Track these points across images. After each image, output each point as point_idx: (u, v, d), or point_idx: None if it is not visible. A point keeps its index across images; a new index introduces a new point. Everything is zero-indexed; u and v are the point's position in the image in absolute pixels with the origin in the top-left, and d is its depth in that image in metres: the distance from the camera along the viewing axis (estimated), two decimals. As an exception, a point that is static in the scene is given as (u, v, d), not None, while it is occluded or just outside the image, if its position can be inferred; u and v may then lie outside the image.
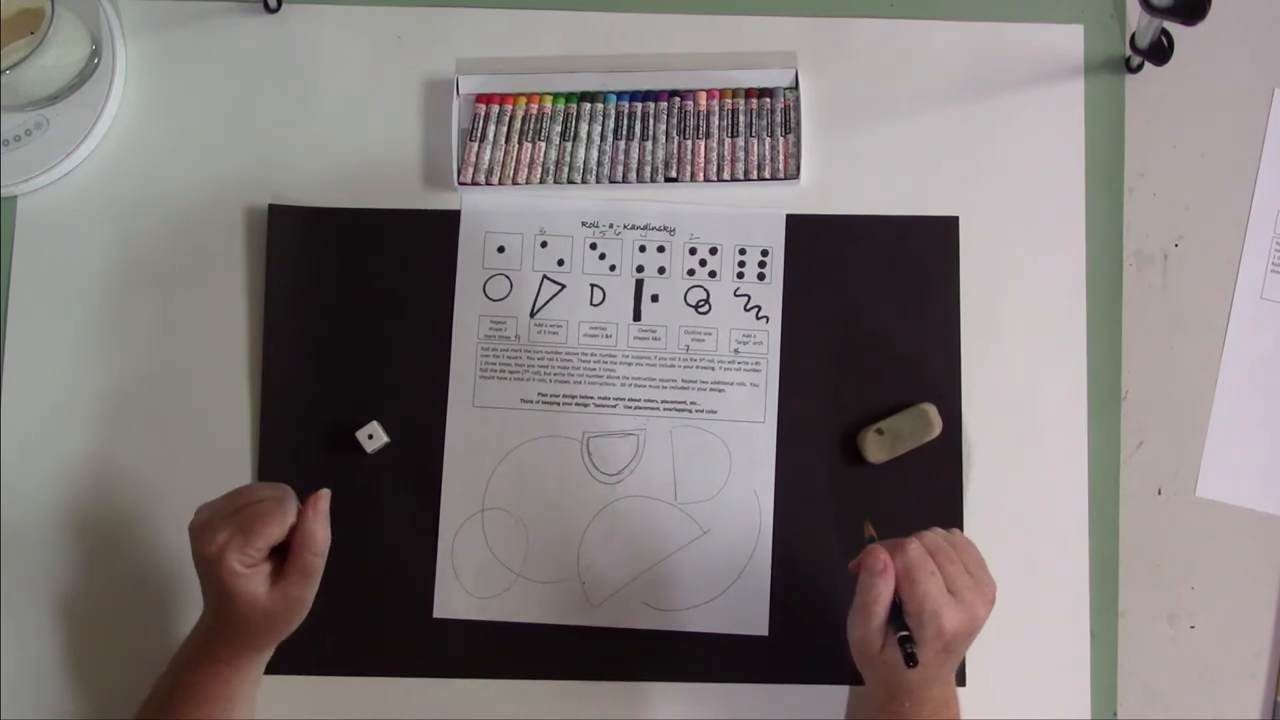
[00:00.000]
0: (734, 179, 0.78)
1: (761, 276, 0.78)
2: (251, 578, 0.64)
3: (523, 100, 0.80)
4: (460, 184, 0.78)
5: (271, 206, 0.79)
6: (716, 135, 0.79)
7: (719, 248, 0.79)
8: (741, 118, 0.80)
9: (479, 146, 0.79)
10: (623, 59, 0.81)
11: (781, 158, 0.79)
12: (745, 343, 0.78)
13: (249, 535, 0.63)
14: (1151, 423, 0.78)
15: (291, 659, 0.74)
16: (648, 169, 0.79)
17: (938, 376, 0.77)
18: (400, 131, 0.80)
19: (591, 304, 0.78)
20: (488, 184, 0.78)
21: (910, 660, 0.62)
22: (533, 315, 0.78)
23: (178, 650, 0.69)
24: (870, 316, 0.78)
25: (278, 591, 0.65)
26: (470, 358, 0.78)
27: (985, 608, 0.64)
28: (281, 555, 0.65)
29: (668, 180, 0.79)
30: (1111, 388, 0.78)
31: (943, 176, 0.80)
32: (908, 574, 0.63)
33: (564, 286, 0.79)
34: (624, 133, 0.79)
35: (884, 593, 0.63)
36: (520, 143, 0.79)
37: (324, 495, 0.66)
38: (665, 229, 0.79)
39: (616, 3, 0.82)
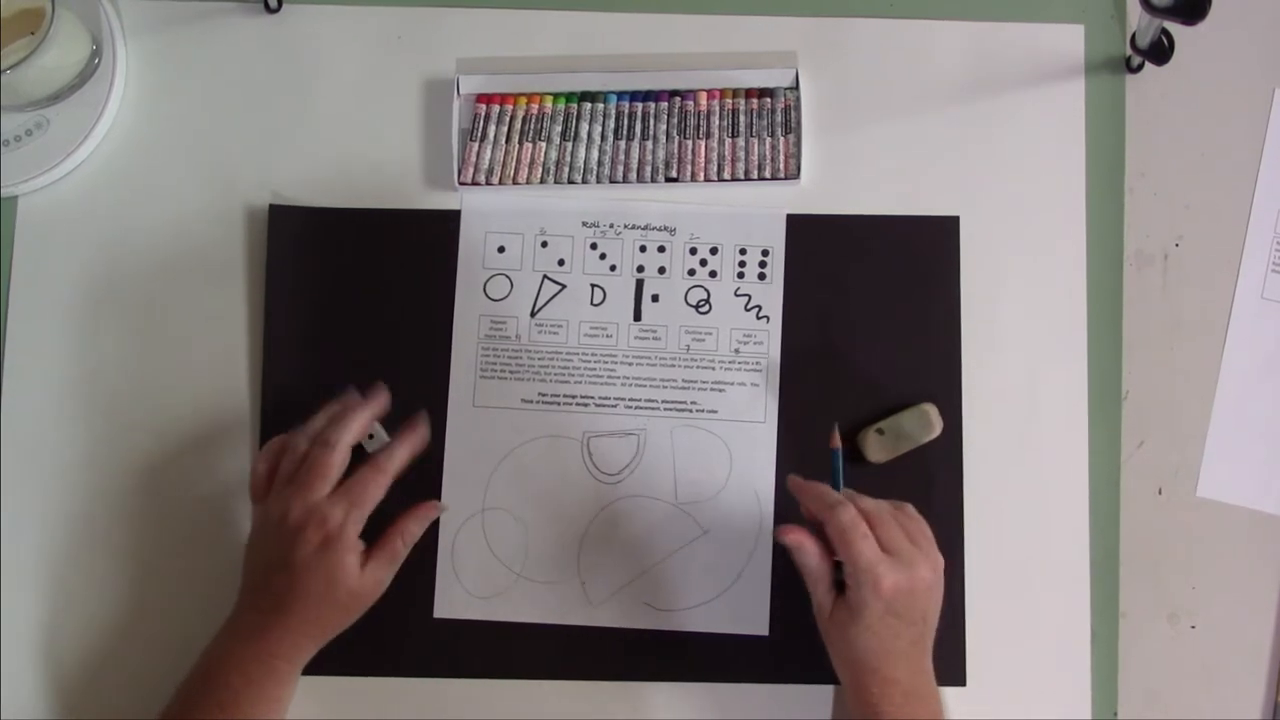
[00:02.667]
0: (734, 179, 0.78)
1: (762, 276, 0.78)
2: (357, 554, 0.67)
3: (523, 100, 0.80)
4: (460, 184, 0.78)
5: (271, 206, 0.79)
6: (717, 135, 0.79)
7: (719, 248, 0.79)
8: (742, 118, 0.80)
9: (479, 146, 0.79)
10: (623, 59, 0.81)
11: (782, 158, 0.79)
12: (746, 342, 0.78)
13: (364, 506, 0.67)
14: (1151, 423, 0.78)
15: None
16: (648, 169, 0.79)
17: (938, 376, 0.77)
18: (400, 131, 0.80)
19: (592, 304, 0.78)
20: (488, 184, 0.78)
21: (838, 587, 0.67)
22: (533, 315, 0.78)
23: (212, 648, 0.68)
24: (870, 316, 0.78)
25: (367, 572, 0.68)
26: (470, 358, 0.78)
27: (928, 571, 0.66)
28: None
29: (668, 180, 0.79)
30: (1111, 388, 0.78)
31: (943, 176, 0.80)
32: (841, 536, 0.65)
33: (564, 286, 0.79)
34: (624, 133, 0.79)
35: (810, 559, 0.67)
36: (520, 143, 0.79)
37: (434, 507, 0.72)
38: (666, 229, 0.79)
39: (616, 3, 0.82)
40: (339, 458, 0.68)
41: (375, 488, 0.68)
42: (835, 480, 0.71)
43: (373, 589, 0.69)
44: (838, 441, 0.72)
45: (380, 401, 0.73)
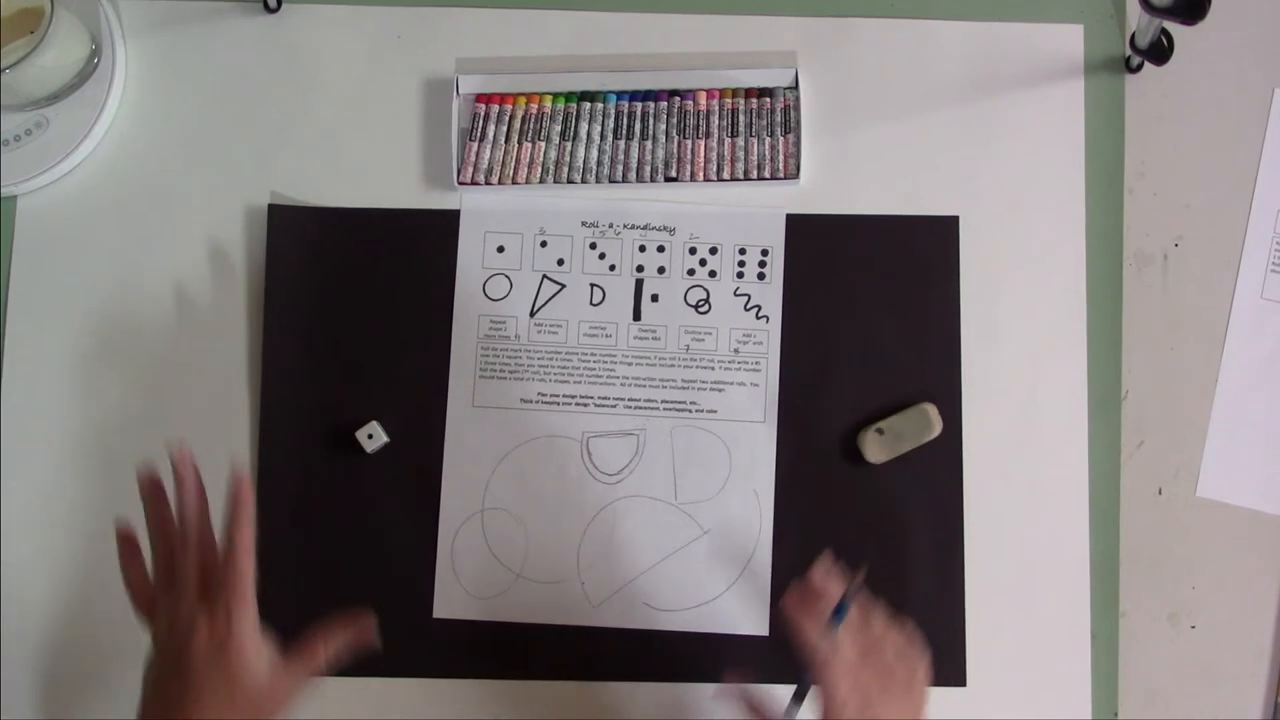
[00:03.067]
0: (734, 179, 0.78)
1: (761, 276, 0.78)
2: (261, 650, 0.61)
3: (522, 100, 0.80)
4: (460, 184, 0.78)
5: (271, 206, 0.79)
6: (716, 135, 0.79)
7: (719, 247, 0.79)
8: (741, 117, 0.79)
9: (479, 146, 0.79)
10: (623, 59, 0.81)
11: (781, 157, 0.79)
12: (745, 342, 0.78)
13: (244, 598, 0.60)
14: (1151, 423, 0.78)
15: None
16: (648, 169, 0.79)
17: (938, 376, 0.77)
18: (400, 131, 0.80)
19: (591, 304, 0.78)
20: (487, 184, 0.78)
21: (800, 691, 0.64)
22: (532, 315, 0.78)
23: None
24: (870, 316, 0.78)
25: (277, 673, 0.61)
26: (470, 357, 0.78)
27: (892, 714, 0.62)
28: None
29: (668, 180, 0.79)
30: (1111, 388, 0.78)
31: (943, 176, 0.80)
32: (825, 695, 0.62)
33: (564, 286, 0.79)
34: (624, 132, 0.79)
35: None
36: (520, 142, 0.79)
37: (370, 630, 0.64)
38: (665, 229, 0.79)
39: (616, 3, 0.82)
40: (247, 565, 0.62)
41: (242, 579, 0.61)
42: (836, 617, 0.65)
43: (283, 694, 0.61)
44: (850, 595, 0.66)
45: (249, 491, 0.64)
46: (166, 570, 0.63)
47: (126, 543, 0.65)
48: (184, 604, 0.61)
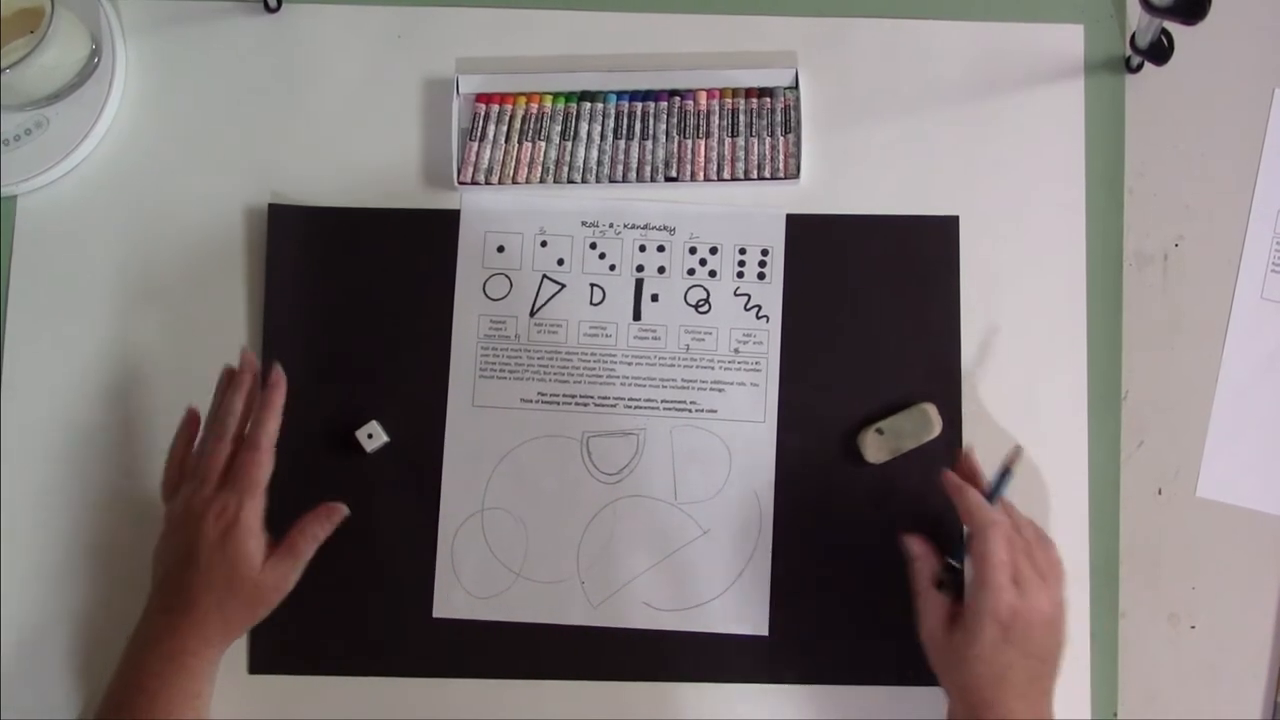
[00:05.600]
0: (734, 179, 0.78)
1: (761, 276, 0.78)
2: (260, 541, 0.68)
3: (522, 100, 0.80)
4: (460, 184, 0.78)
5: (271, 206, 0.79)
6: (716, 135, 0.79)
7: (719, 247, 0.79)
8: (741, 117, 0.80)
9: (479, 146, 0.79)
10: (623, 59, 0.81)
11: (781, 157, 0.79)
12: (745, 342, 0.78)
13: (255, 490, 0.68)
14: (1151, 423, 0.78)
15: (291, 659, 0.75)
16: (648, 169, 0.79)
17: (938, 376, 0.77)
18: (400, 131, 0.80)
19: (591, 303, 0.78)
20: (487, 183, 0.78)
21: (950, 573, 0.69)
22: (532, 315, 0.78)
23: (127, 655, 0.68)
24: (870, 316, 0.78)
25: (269, 566, 0.68)
26: (470, 357, 0.78)
27: (1048, 604, 0.67)
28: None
29: (668, 180, 0.79)
30: (1111, 388, 0.78)
31: (943, 176, 0.80)
32: (981, 555, 0.67)
33: (564, 286, 0.79)
34: (624, 132, 0.79)
35: (925, 567, 0.71)
36: (520, 142, 0.79)
37: (338, 510, 0.72)
38: (665, 228, 0.79)
39: (616, 3, 0.82)
40: (265, 457, 0.70)
41: (257, 469, 0.69)
42: (994, 491, 0.72)
43: (275, 584, 0.69)
44: (1012, 463, 0.73)
45: (281, 386, 0.72)
46: (197, 457, 0.71)
47: (187, 425, 0.73)
48: (204, 490, 0.68)
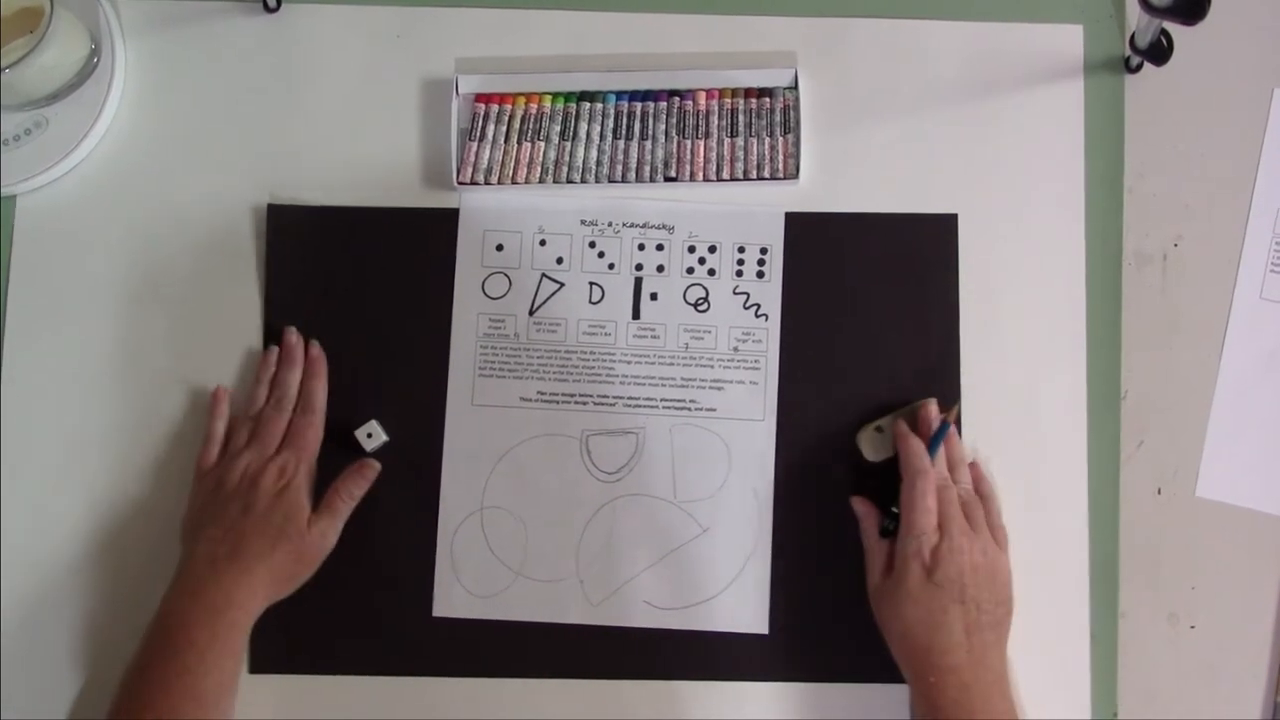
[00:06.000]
0: (733, 179, 0.78)
1: (760, 274, 0.78)
2: (309, 499, 0.72)
3: (522, 100, 0.80)
4: (459, 183, 0.78)
5: (271, 206, 0.79)
6: (716, 135, 0.79)
7: (718, 246, 0.79)
8: (741, 117, 0.80)
9: (478, 146, 0.79)
10: (623, 59, 0.81)
11: (781, 157, 0.79)
12: (744, 341, 0.78)
13: (309, 453, 0.74)
14: (1151, 423, 0.78)
15: (291, 658, 0.74)
16: (647, 169, 0.79)
17: (937, 375, 0.77)
18: (399, 131, 0.80)
19: (590, 302, 0.78)
20: (487, 183, 0.78)
21: (892, 519, 0.71)
22: (532, 313, 0.78)
23: (167, 611, 0.68)
24: (869, 315, 0.78)
25: (314, 525, 0.71)
26: (469, 356, 0.78)
27: (977, 552, 0.69)
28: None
29: (667, 180, 0.79)
30: (1111, 388, 0.78)
31: (942, 176, 0.80)
32: (909, 497, 0.70)
33: (563, 285, 0.79)
34: (623, 132, 0.79)
35: (870, 527, 0.73)
36: (519, 142, 0.79)
37: (371, 467, 0.74)
38: (664, 227, 0.79)
39: (616, 3, 0.82)
40: (319, 420, 0.75)
41: (313, 432, 0.74)
42: (932, 444, 0.73)
43: (319, 541, 0.71)
44: (951, 417, 0.75)
45: (324, 359, 0.76)
46: (257, 426, 0.74)
47: (219, 401, 0.76)
48: (262, 456, 0.73)
